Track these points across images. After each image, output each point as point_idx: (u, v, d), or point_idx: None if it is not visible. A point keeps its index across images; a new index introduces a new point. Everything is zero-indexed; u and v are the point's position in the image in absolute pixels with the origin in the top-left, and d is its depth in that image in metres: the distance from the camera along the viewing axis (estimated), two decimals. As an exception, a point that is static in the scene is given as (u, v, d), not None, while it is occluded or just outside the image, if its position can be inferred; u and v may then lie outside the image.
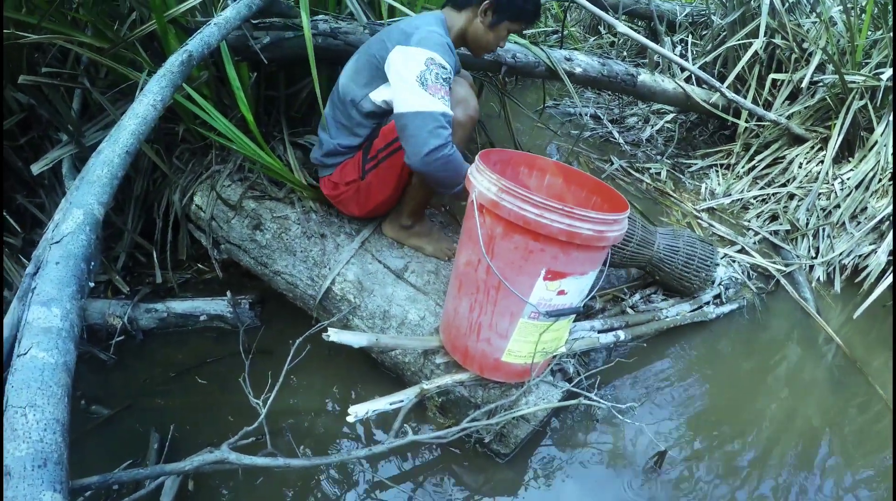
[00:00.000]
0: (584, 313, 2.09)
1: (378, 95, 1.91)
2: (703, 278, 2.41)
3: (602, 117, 4.24)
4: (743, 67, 3.52)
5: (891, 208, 2.79)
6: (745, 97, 3.45)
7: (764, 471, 1.95)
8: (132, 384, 2.11)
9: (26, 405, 1.06)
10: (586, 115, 4.31)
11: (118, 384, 2.11)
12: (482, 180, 1.49)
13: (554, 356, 1.81)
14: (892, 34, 3.18)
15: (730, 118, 3.47)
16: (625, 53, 5.15)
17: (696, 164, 3.66)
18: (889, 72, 3.02)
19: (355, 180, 2.06)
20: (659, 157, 3.76)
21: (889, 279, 2.60)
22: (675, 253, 2.35)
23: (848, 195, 2.99)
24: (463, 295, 1.66)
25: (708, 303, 2.51)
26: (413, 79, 1.74)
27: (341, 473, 1.83)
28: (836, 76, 3.15)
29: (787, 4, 3.55)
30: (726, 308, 2.52)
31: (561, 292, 1.54)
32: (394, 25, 1.91)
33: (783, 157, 3.39)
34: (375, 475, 1.82)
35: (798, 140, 3.37)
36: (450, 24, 1.95)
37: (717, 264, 2.45)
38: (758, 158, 3.44)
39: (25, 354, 1.12)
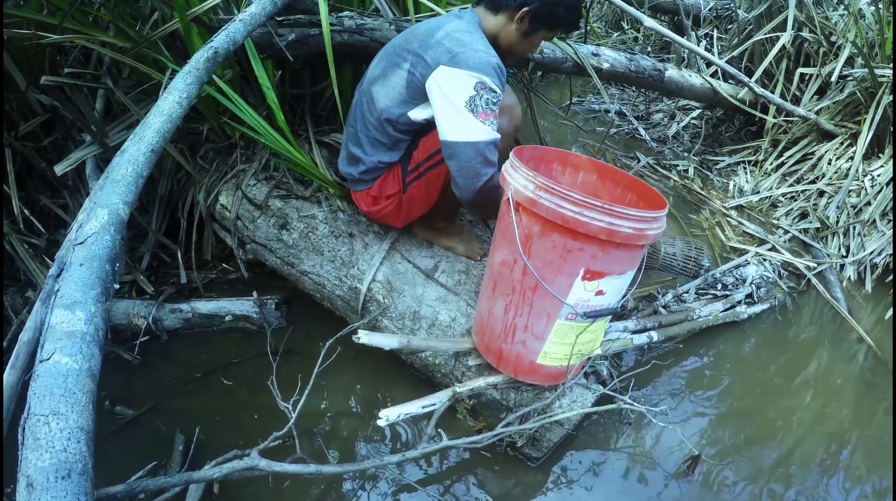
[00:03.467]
0: (619, 313, 2.05)
1: (419, 114, 1.82)
2: (695, 267, 2.51)
3: (627, 114, 4.19)
4: (770, 62, 3.46)
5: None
6: (772, 92, 3.38)
7: (794, 475, 1.91)
8: (157, 384, 2.10)
9: (49, 413, 1.02)
10: (612, 111, 4.26)
11: (143, 384, 2.10)
12: (518, 178, 1.45)
13: (588, 358, 1.77)
14: (892, 34, 3.11)
15: (758, 114, 3.40)
16: (648, 49, 5.08)
17: (723, 160, 3.59)
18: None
19: (397, 194, 1.98)
20: (686, 153, 3.71)
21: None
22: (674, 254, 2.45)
23: (878, 192, 2.92)
24: (498, 296, 1.62)
25: (740, 302, 2.45)
26: (462, 104, 1.66)
27: (367, 474, 1.81)
28: (866, 70, 3.08)
29: (814, -3, 3.49)
30: (758, 308, 2.47)
31: (599, 293, 1.50)
32: (425, 30, 1.78)
33: (812, 153, 3.32)
34: (403, 477, 1.79)
35: (827, 136, 3.30)
36: (484, 25, 1.83)
37: (706, 256, 2.57)
38: (786, 154, 3.38)
39: (48, 359, 1.09)
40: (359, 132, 1.94)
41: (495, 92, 1.69)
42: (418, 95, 1.78)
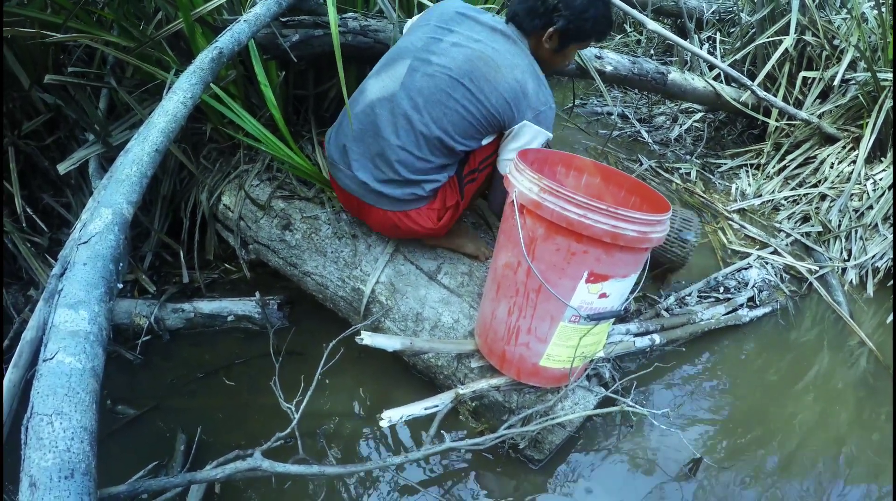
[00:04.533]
0: (622, 316, 2.05)
1: (487, 140, 1.89)
2: (677, 241, 2.30)
3: (630, 116, 4.19)
4: (773, 65, 3.45)
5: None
6: (775, 96, 3.38)
7: (795, 478, 1.91)
8: (159, 384, 2.10)
9: (53, 413, 1.02)
10: (614, 114, 4.26)
11: (145, 384, 2.10)
12: (522, 180, 1.46)
13: (591, 361, 1.77)
14: (893, 34, 3.11)
15: (760, 117, 3.40)
16: (651, 52, 5.08)
17: (725, 164, 3.59)
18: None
19: (456, 202, 1.99)
20: (688, 157, 3.70)
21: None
22: None
23: (881, 196, 2.92)
24: (501, 298, 1.62)
25: (742, 306, 2.45)
26: None
27: (369, 475, 1.81)
28: (868, 74, 3.08)
29: (816, 1, 3.48)
30: (760, 311, 2.47)
31: (602, 296, 1.50)
32: (489, 60, 1.75)
33: (814, 157, 3.31)
34: (404, 478, 1.79)
35: (829, 140, 3.30)
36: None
37: (694, 230, 2.33)
38: (788, 157, 3.37)
39: (52, 358, 1.09)
40: (422, 157, 1.84)
41: (548, 144, 1.86)
42: (495, 130, 1.85)
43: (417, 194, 1.89)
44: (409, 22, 2.02)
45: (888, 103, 3.02)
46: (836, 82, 3.25)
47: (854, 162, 3.11)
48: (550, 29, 1.79)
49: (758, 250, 2.80)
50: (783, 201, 3.19)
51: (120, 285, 1.39)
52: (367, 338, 1.67)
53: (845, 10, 3.61)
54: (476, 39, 1.79)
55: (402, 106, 1.79)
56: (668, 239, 2.30)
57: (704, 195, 3.24)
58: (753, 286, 2.54)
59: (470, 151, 1.89)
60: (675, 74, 3.13)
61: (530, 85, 1.76)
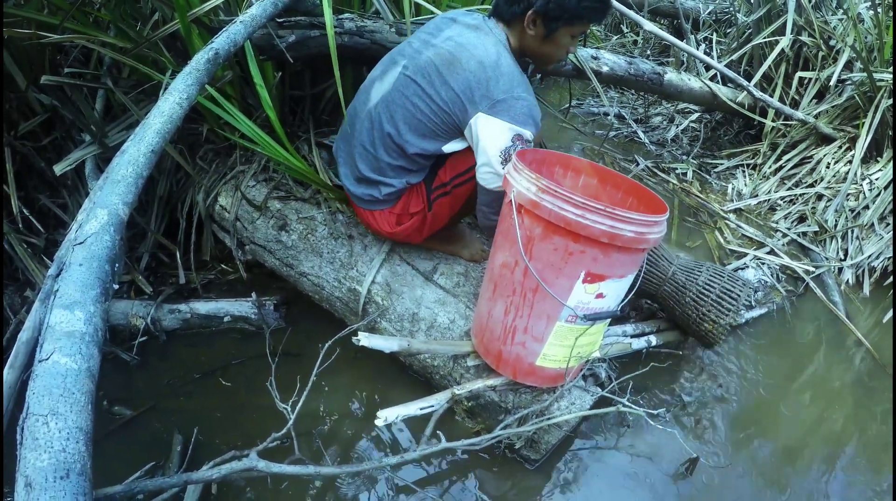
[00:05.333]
0: (619, 317, 2.05)
1: (452, 147, 1.82)
2: (718, 319, 1.99)
3: (626, 117, 4.19)
4: (769, 66, 3.46)
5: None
6: (771, 96, 3.39)
7: (792, 478, 1.92)
8: (155, 385, 2.10)
9: (48, 413, 1.03)
10: (611, 114, 4.26)
11: (141, 384, 2.10)
12: (521, 180, 1.46)
13: (587, 361, 1.78)
14: (891, 38, 3.11)
15: (756, 117, 3.40)
16: (648, 52, 5.08)
17: (722, 164, 3.59)
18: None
19: (421, 211, 1.95)
20: (685, 157, 3.71)
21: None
22: (689, 283, 2.02)
23: (877, 196, 2.93)
24: (498, 298, 1.62)
25: (738, 306, 2.45)
26: (496, 154, 1.68)
27: (365, 475, 1.81)
28: (865, 74, 3.09)
29: (813, 1, 3.48)
30: (756, 312, 2.47)
31: (599, 296, 1.50)
32: (451, 54, 1.70)
33: (811, 157, 3.32)
34: (400, 478, 1.79)
35: (826, 140, 3.31)
36: (511, 42, 1.76)
37: (743, 305, 2.05)
38: (785, 158, 3.37)
39: (47, 359, 1.09)
40: (376, 156, 1.86)
41: (529, 142, 1.70)
42: (452, 131, 1.77)
43: (374, 196, 1.91)
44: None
45: (884, 103, 3.03)
46: (832, 83, 3.26)
47: (850, 162, 3.12)
48: (530, 12, 1.67)
49: (754, 250, 2.80)
50: (779, 201, 3.19)
51: (116, 286, 1.38)
52: (364, 339, 1.67)
53: (841, 11, 3.62)
54: (447, 38, 1.75)
55: (369, 107, 1.86)
56: (722, 304, 2.00)
57: (701, 195, 3.25)
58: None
59: (427, 155, 1.83)
60: (671, 75, 3.13)
61: (488, 72, 1.66)
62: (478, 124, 1.68)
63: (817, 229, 2.94)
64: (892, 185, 2.87)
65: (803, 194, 3.15)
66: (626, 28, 5.63)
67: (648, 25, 2.81)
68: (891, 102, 3.02)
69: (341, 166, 2.01)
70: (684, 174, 3.47)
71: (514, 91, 1.66)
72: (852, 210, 2.95)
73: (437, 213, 1.96)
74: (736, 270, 2.63)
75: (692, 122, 4.09)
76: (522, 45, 1.77)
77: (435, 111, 1.72)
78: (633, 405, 1.64)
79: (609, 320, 1.67)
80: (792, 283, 2.69)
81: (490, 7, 1.82)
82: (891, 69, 3.06)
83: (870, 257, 2.76)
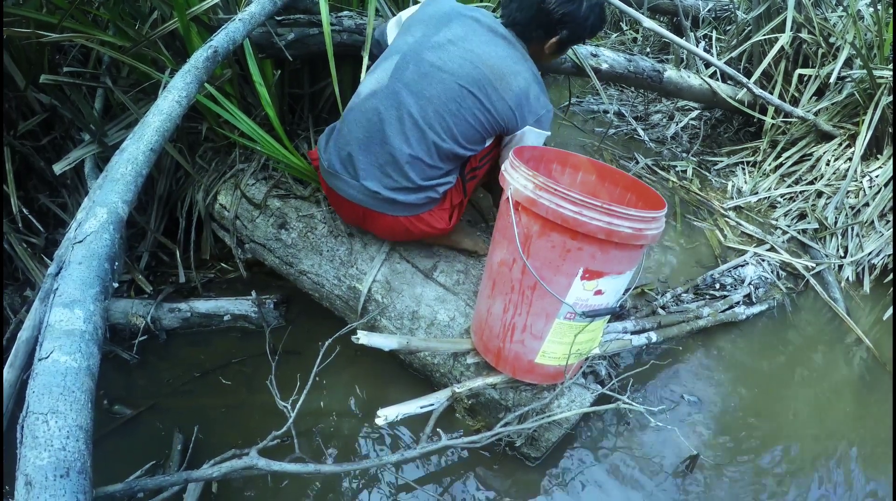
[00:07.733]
0: (618, 313, 2.05)
1: (488, 143, 1.91)
2: None
3: (626, 114, 4.18)
4: (769, 63, 3.45)
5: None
6: (771, 93, 3.38)
7: (792, 475, 1.92)
8: (155, 383, 2.10)
9: (48, 412, 1.03)
10: (610, 112, 4.26)
11: (141, 383, 2.10)
12: (518, 177, 1.46)
13: (587, 358, 1.77)
14: (891, 35, 3.11)
15: (756, 115, 3.40)
16: (647, 50, 5.08)
17: (722, 161, 3.59)
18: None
19: (461, 200, 2.03)
20: (684, 154, 3.70)
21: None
22: None
23: (877, 193, 2.92)
24: (496, 295, 1.62)
25: (738, 303, 2.45)
26: None
27: (365, 474, 1.81)
28: (864, 71, 3.08)
29: (812, -2, 3.49)
30: (756, 309, 2.47)
31: (598, 292, 1.50)
32: (496, 68, 1.75)
33: (810, 154, 3.31)
34: (401, 476, 1.80)
35: (826, 137, 3.30)
36: (527, 53, 1.88)
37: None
38: (785, 155, 3.37)
39: (47, 357, 1.09)
40: (431, 164, 1.82)
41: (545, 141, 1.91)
42: (496, 133, 1.87)
43: (431, 198, 1.90)
44: (400, 16, 1.95)
45: (884, 100, 3.02)
46: (832, 80, 3.25)
47: (850, 159, 3.11)
48: (554, 39, 1.82)
49: (754, 247, 2.80)
50: (779, 199, 3.19)
51: (116, 284, 1.39)
52: (364, 338, 1.67)
53: (841, 8, 3.61)
54: (478, 42, 1.77)
55: (413, 114, 1.75)
56: None
57: (701, 193, 3.25)
58: (750, 284, 2.54)
59: (474, 153, 1.90)
60: (671, 72, 3.13)
61: (532, 92, 1.79)
62: (525, 134, 1.83)
63: (817, 227, 2.94)
64: (892, 182, 2.87)
65: (803, 191, 3.15)
66: (626, 25, 5.62)
67: (648, 23, 2.80)
68: (891, 99, 3.01)
69: (365, 180, 1.84)
70: (684, 172, 3.46)
71: (548, 105, 1.85)
72: (852, 207, 2.94)
73: (468, 196, 2.06)
74: (736, 267, 2.62)
75: (692, 119, 4.08)
76: (534, 56, 1.88)
77: (491, 122, 1.80)
78: (632, 403, 1.64)
79: (608, 316, 1.66)
80: (792, 280, 2.69)
81: (489, 3, 1.83)
82: (891, 66, 3.05)
83: (870, 254, 2.76)
